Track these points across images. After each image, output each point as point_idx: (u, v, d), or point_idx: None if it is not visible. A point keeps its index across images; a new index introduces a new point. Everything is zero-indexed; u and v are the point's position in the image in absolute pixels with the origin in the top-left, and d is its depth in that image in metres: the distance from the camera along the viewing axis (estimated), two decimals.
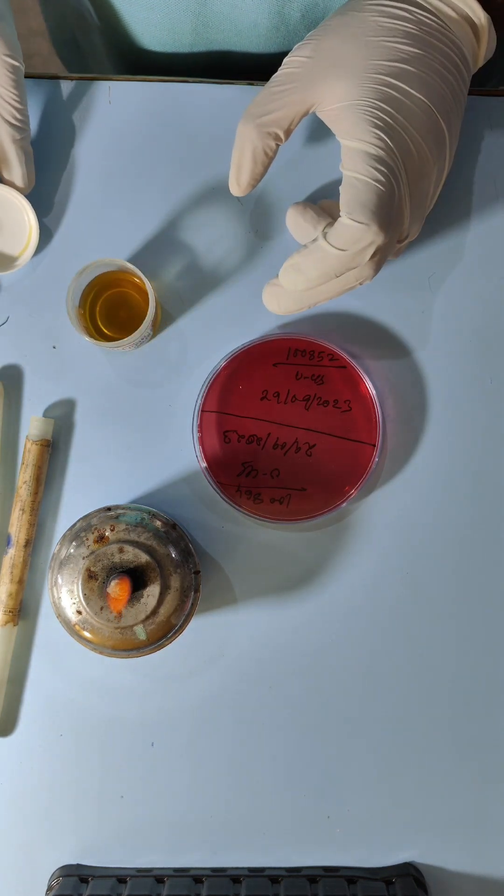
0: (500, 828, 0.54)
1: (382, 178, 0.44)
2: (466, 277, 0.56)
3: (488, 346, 0.55)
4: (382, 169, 0.44)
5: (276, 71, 0.58)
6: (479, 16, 0.46)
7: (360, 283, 0.46)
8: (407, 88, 0.45)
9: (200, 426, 0.54)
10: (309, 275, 0.45)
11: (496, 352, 0.55)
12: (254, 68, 0.59)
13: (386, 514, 0.55)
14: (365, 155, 0.44)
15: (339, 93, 0.45)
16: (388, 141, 0.44)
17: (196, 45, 0.58)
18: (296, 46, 0.47)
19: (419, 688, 0.55)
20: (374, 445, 0.54)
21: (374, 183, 0.44)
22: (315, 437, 0.54)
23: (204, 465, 0.53)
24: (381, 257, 0.45)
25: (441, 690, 0.55)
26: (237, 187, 0.48)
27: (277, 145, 0.47)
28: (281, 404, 0.54)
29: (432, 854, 0.54)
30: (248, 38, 0.56)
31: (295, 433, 0.54)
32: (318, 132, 0.56)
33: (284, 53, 0.57)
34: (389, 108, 0.44)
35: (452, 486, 0.55)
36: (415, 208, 0.47)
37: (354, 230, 0.44)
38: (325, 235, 0.45)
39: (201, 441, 0.54)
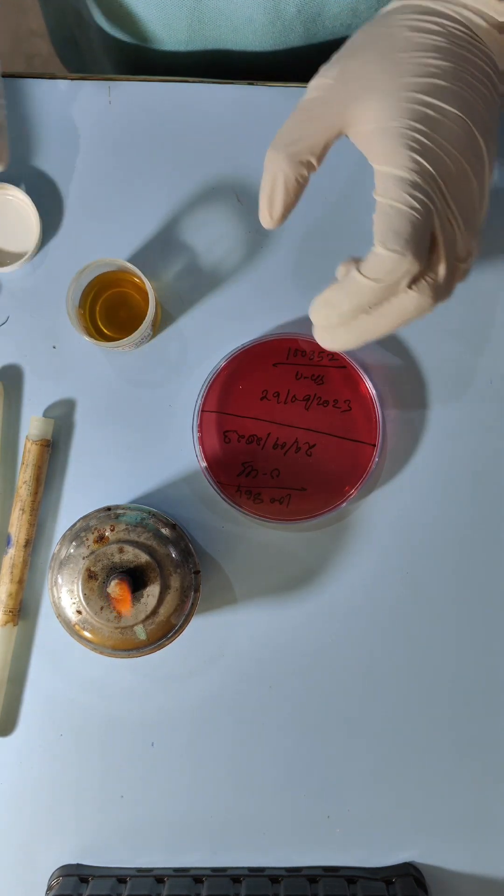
0: (500, 828, 0.54)
1: (417, 205, 0.42)
2: None
3: (488, 346, 0.55)
4: (417, 195, 0.42)
5: (274, 69, 0.58)
6: None
7: (420, 315, 0.44)
8: (441, 104, 0.42)
9: (200, 426, 0.54)
10: (341, 308, 0.43)
11: (496, 352, 0.55)
12: (252, 67, 0.59)
13: (386, 514, 0.55)
14: (399, 180, 0.42)
15: (370, 115, 0.43)
16: (425, 163, 0.42)
17: (192, 42, 0.57)
18: (322, 68, 0.45)
19: (419, 688, 0.55)
20: (374, 445, 0.54)
21: (408, 210, 0.42)
22: (315, 437, 0.54)
23: (204, 464, 0.53)
24: (434, 284, 0.43)
25: (441, 690, 0.55)
26: (269, 220, 0.45)
27: (310, 173, 0.45)
28: (281, 404, 0.54)
29: (432, 854, 0.54)
30: (244, 35, 0.56)
31: (295, 433, 0.54)
32: None
33: (281, 51, 0.57)
34: (424, 128, 0.42)
35: (452, 485, 0.55)
36: (465, 225, 0.44)
37: (388, 260, 0.41)
38: (357, 267, 0.42)
39: (201, 441, 0.54)
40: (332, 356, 0.54)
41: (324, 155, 0.45)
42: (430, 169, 0.42)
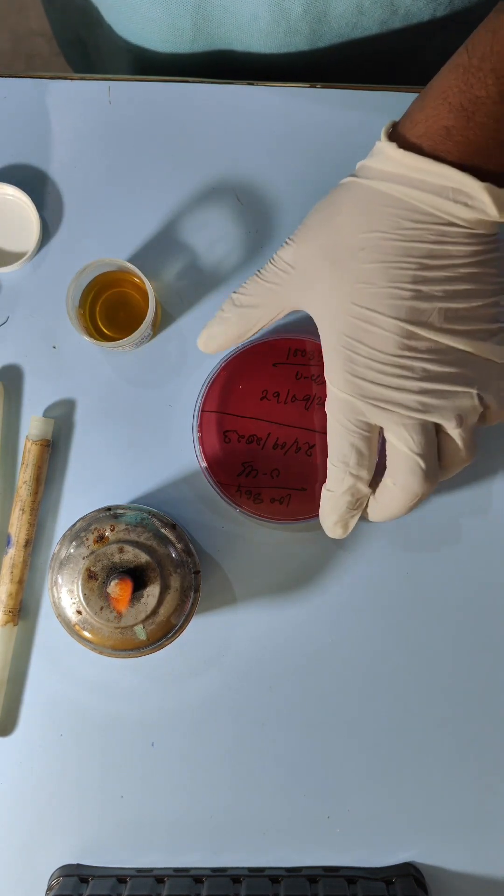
0: (500, 828, 0.54)
1: (352, 426, 0.46)
2: None
3: None
4: (352, 419, 0.46)
5: (278, 71, 0.58)
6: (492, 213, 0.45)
7: (412, 495, 0.48)
8: (375, 315, 0.45)
9: (200, 426, 0.54)
10: (335, 520, 0.49)
11: None
12: (257, 68, 0.59)
13: None
14: (338, 400, 0.46)
15: (317, 314, 0.47)
16: (358, 381, 0.45)
17: (197, 41, 0.57)
18: (284, 244, 0.48)
19: (419, 688, 0.55)
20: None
21: (345, 432, 0.46)
22: (315, 437, 0.54)
23: (204, 464, 0.53)
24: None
25: (441, 690, 0.55)
26: (203, 346, 0.51)
27: (254, 333, 0.50)
28: (281, 404, 0.54)
29: (432, 854, 0.54)
30: (249, 34, 0.56)
31: (295, 433, 0.54)
32: (318, 132, 0.56)
33: (286, 54, 0.57)
34: (356, 343, 0.45)
35: (453, 484, 0.55)
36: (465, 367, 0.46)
37: (333, 473, 0.48)
38: (371, 504, 0.49)
39: (201, 441, 0.54)
40: None
41: (274, 321, 0.49)
42: (365, 385, 0.45)
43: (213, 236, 0.56)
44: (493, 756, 0.54)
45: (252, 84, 0.56)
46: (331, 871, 0.53)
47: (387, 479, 0.47)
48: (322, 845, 0.54)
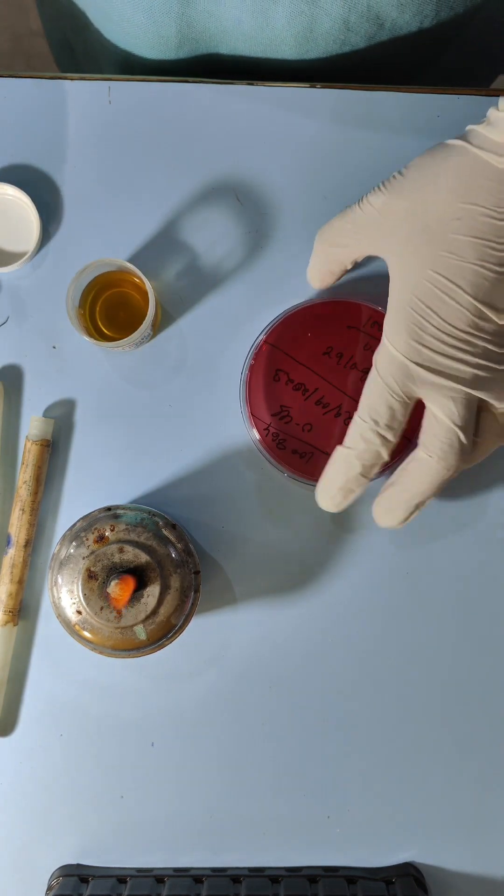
0: (500, 828, 0.54)
1: (398, 388, 0.47)
2: None
3: None
4: (399, 381, 0.46)
5: (267, 73, 0.58)
6: None
7: (447, 468, 0.48)
8: (455, 288, 0.45)
9: (256, 355, 0.53)
10: (337, 486, 0.49)
11: None
12: (245, 70, 0.59)
13: None
14: (392, 360, 0.47)
15: (394, 269, 0.48)
16: (421, 349, 0.46)
17: (182, 46, 0.57)
18: (373, 190, 0.48)
19: (419, 687, 0.55)
20: (410, 440, 0.53)
21: (387, 392, 0.47)
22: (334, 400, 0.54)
23: (245, 392, 0.53)
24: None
25: (441, 690, 0.55)
26: (310, 279, 0.53)
27: (344, 270, 0.51)
28: (340, 367, 0.53)
29: (432, 854, 0.54)
30: (234, 37, 0.56)
31: (342, 398, 0.53)
32: (318, 132, 0.56)
33: (274, 59, 0.57)
34: (429, 310, 0.46)
35: (453, 485, 0.55)
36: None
37: (358, 428, 0.48)
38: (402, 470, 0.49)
39: (251, 369, 0.53)
40: None
41: (357, 261, 0.51)
42: (427, 353, 0.46)
43: (213, 236, 0.56)
44: (493, 756, 0.54)
45: (252, 84, 0.56)
46: (331, 871, 0.54)
47: (420, 453, 0.47)
48: (322, 845, 0.54)
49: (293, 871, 0.53)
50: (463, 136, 0.47)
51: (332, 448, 0.51)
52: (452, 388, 0.46)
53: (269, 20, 0.53)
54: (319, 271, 0.51)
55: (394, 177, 0.48)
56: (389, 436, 0.47)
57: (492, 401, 0.46)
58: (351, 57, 0.56)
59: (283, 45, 0.55)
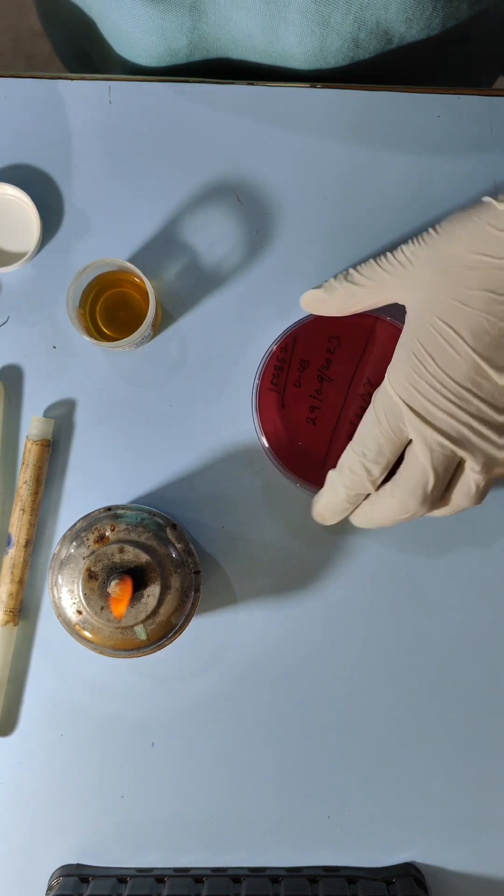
0: (500, 828, 0.54)
1: (387, 426, 0.48)
2: None
3: None
4: (390, 420, 0.48)
5: (277, 76, 0.58)
6: None
7: (423, 514, 0.49)
8: (455, 337, 0.46)
9: (304, 326, 0.53)
10: (324, 509, 0.51)
11: None
12: (252, 76, 0.59)
13: None
14: (387, 398, 0.48)
15: (408, 314, 0.49)
16: (415, 393, 0.47)
17: (193, 56, 0.57)
18: (411, 241, 0.49)
19: (419, 687, 0.55)
20: None
21: (376, 427, 0.48)
22: (328, 421, 0.53)
23: (256, 398, 0.53)
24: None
25: (441, 690, 0.55)
26: (305, 304, 0.52)
27: (353, 311, 0.51)
28: (362, 398, 0.53)
29: (432, 854, 0.54)
30: (245, 48, 0.56)
31: (334, 412, 0.53)
32: (318, 132, 0.56)
33: (284, 68, 0.57)
34: (428, 355, 0.46)
35: None
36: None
37: (348, 456, 0.49)
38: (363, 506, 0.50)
39: (316, 318, 0.53)
40: None
41: (371, 307, 0.51)
42: (419, 399, 0.46)
43: (213, 236, 0.56)
44: (493, 756, 0.54)
45: (252, 84, 0.56)
46: (331, 871, 0.54)
47: (387, 488, 0.48)
48: (322, 845, 0.54)
49: (293, 871, 0.53)
50: (496, 196, 0.48)
51: (318, 452, 0.53)
52: (436, 437, 0.46)
53: (280, 37, 0.54)
54: (325, 306, 0.51)
55: (429, 230, 0.49)
56: (375, 470, 0.48)
57: (471, 462, 0.47)
58: (359, 67, 0.57)
59: (292, 60, 0.56)
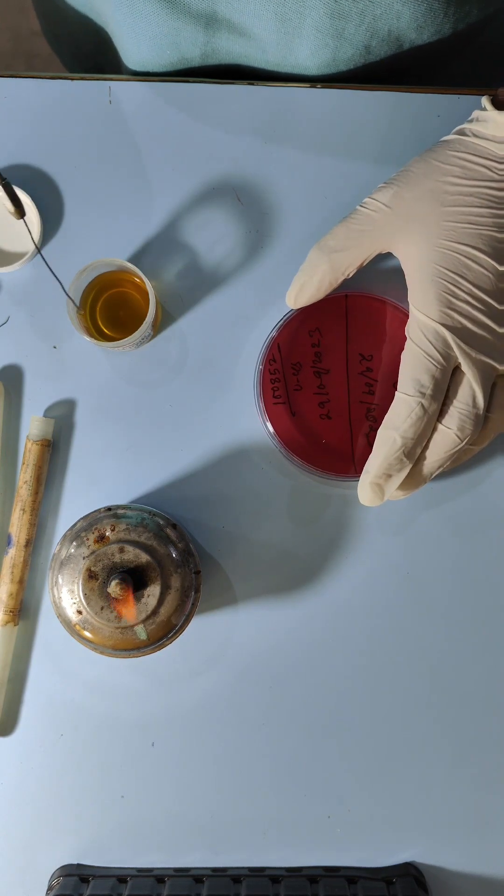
0: (500, 828, 0.54)
1: (438, 355, 0.48)
2: None
3: None
4: (438, 348, 0.48)
5: (285, 78, 0.58)
6: None
7: (469, 443, 0.49)
8: (477, 254, 0.48)
9: (315, 305, 0.53)
10: (378, 469, 0.49)
11: None
12: (263, 79, 0.59)
13: (386, 513, 0.55)
14: (426, 328, 0.48)
15: (412, 249, 0.49)
16: (453, 314, 0.48)
17: (205, 62, 0.58)
18: (379, 189, 0.50)
19: (419, 687, 0.55)
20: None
21: (427, 360, 0.48)
22: (340, 409, 0.54)
23: (274, 334, 0.53)
24: (461, 423, 0.48)
25: (441, 690, 0.55)
26: (293, 301, 0.52)
27: (344, 278, 0.51)
28: (364, 375, 0.53)
29: (432, 854, 0.54)
30: (257, 61, 0.57)
31: (342, 398, 0.54)
32: (318, 132, 0.56)
33: (294, 75, 0.57)
34: (456, 275, 0.48)
35: (453, 486, 0.55)
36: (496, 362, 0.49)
37: (404, 404, 0.48)
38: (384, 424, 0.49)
39: (292, 318, 0.54)
40: None
41: (361, 266, 0.51)
42: (458, 318, 0.48)
43: (213, 236, 0.56)
44: (493, 756, 0.54)
45: (252, 84, 0.56)
46: (331, 871, 0.54)
47: (438, 425, 0.49)
48: (322, 845, 0.54)
49: (294, 871, 0.53)
50: (456, 132, 0.50)
51: (344, 442, 0.53)
52: (478, 358, 0.48)
53: (293, 51, 0.55)
54: (317, 285, 0.51)
55: (398, 173, 0.50)
56: (434, 407, 0.48)
57: None
58: (369, 71, 0.57)
59: (303, 70, 0.56)
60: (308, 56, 0.55)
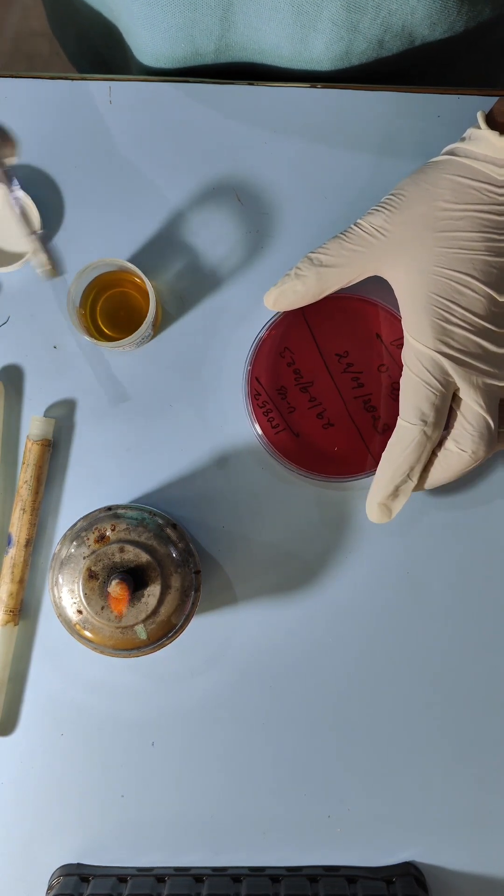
0: (499, 828, 0.54)
1: (436, 383, 0.48)
2: None
3: None
4: (436, 376, 0.48)
5: (298, 78, 0.58)
6: None
7: (476, 460, 0.49)
8: (469, 279, 0.48)
9: (276, 325, 0.53)
10: (385, 491, 0.50)
11: None
12: (274, 76, 0.59)
13: None
14: (422, 355, 0.48)
15: (402, 278, 0.49)
16: (448, 340, 0.48)
17: (218, 58, 0.58)
18: (370, 212, 0.50)
19: (419, 687, 0.55)
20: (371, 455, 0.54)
21: (426, 389, 0.48)
22: (339, 415, 0.54)
23: (257, 343, 0.53)
24: (473, 441, 0.49)
25: (441, 690, 0.55)
26: (272, 303, 0.51)
27: (327, 293, 0.51)
28: (347, 372, 0.54)
29: (432, 854, 0.54)
30: (272, 58, 0.57)
31: (334, 402, 0.54)
32: (318, 132, 0.56)
33: (307, 71, 0.57)
34: (449, 303, 0.48)
35: (452, 486, 0.55)
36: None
37: (408, 430, 0.49)
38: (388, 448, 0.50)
39: (271, 328, 0.53)
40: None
41: (349, 284, 0.51)
42: (454, 344, 0.48)
43: (213, 236, 0.56)
44: (493, 756, 0.55)
45: (252, 84, 0.56)
46: (331, 871, 0.54)
47: (449, 444, 0.49)
48: (322, 845, 0.54)
49: (294, 871, 0.54)
50: (447, 153, 0.50)
51: (356, 441, 0.54)
52: (479, 380, 0.48)
53: (308, 45, 0.55)
54: (299, 295, 0.51)
55: (390, 197, 0.50)
56: (435, 435, 0.49)
57: None
58: (381, 66, 0.57)
59: (316, 64, 0.57)
60: (323, 49, 0.55)
